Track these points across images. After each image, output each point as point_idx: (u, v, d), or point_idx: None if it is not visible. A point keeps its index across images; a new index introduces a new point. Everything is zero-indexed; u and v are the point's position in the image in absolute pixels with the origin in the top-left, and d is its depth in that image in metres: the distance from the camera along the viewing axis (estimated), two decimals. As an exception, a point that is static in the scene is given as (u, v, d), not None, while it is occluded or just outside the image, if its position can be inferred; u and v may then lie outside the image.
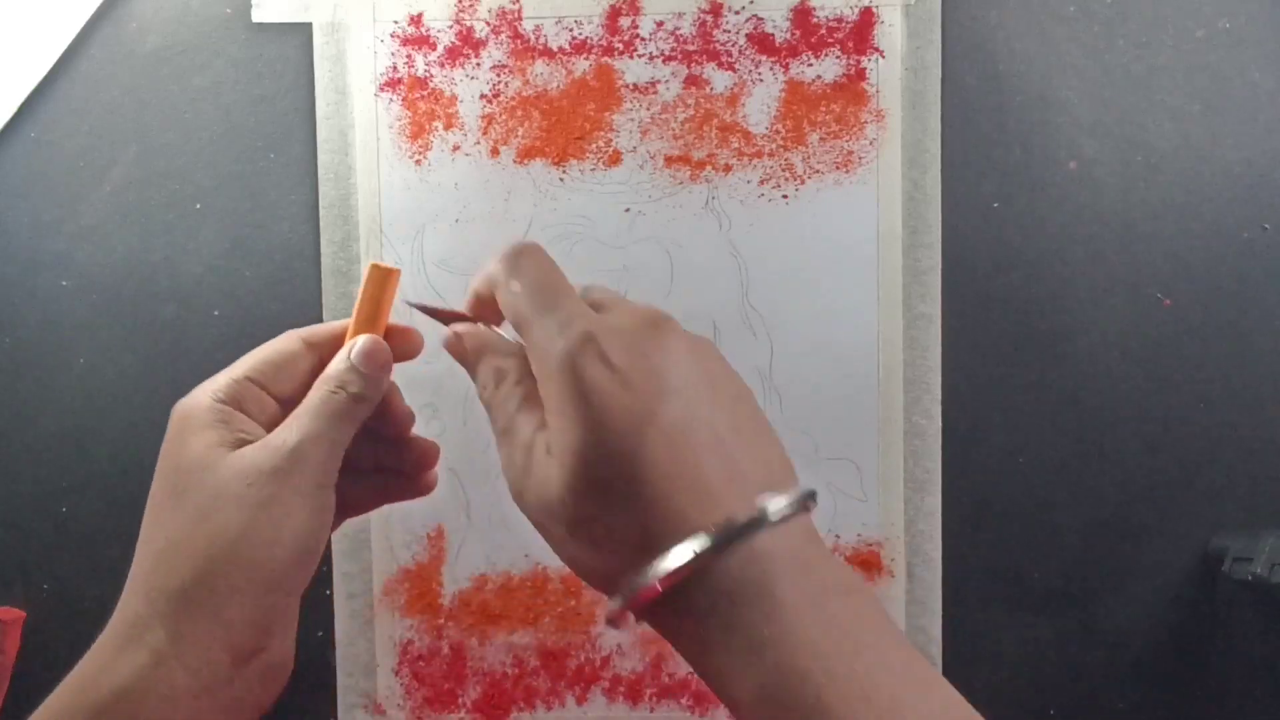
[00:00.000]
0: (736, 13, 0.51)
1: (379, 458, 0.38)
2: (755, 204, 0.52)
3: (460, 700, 0.53)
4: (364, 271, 0.38)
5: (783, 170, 0.51)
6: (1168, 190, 0.51)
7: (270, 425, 0.35)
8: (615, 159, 0.52)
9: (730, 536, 0.29)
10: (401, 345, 0.38)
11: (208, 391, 0.36)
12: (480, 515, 0.53)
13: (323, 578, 0.53)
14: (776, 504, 0.29)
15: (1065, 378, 0.52)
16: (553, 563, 0.53)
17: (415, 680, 0.53)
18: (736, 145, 0.52)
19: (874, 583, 0.52)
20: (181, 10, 0.53)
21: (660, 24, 0.52)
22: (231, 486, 0.33)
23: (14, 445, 0.53)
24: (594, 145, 0.52)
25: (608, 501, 0.30)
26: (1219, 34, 0.51)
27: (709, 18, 0.51)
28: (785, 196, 0.52)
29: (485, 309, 0.34)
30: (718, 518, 0.29)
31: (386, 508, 0.52)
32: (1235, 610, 0.52)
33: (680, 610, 0.29)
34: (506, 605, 0.53)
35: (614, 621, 0.30)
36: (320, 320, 0.52)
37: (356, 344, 0.36)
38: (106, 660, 0.33)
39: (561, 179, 0.52)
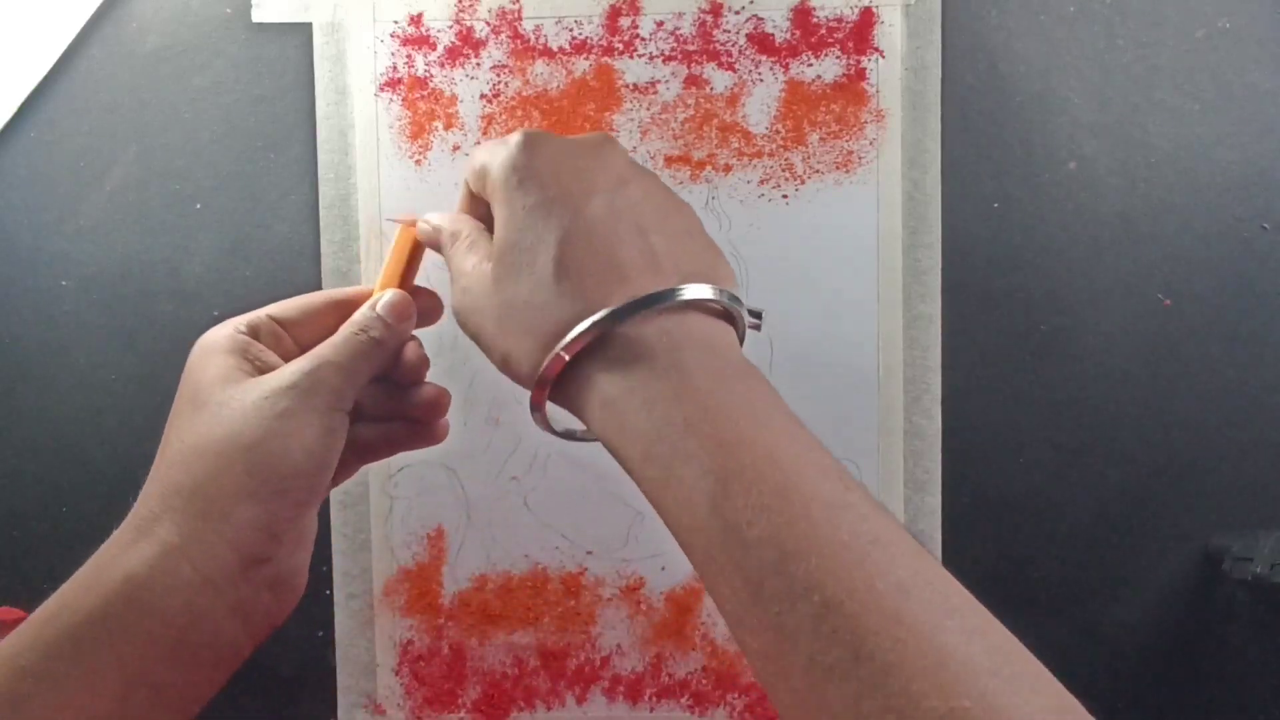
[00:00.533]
0: (736, 13, 0.51)
1: (394, 405, 0.40)
2: (755, 204, 0.52)
3: (460, 700, 0.53)
4: (393, 235, 0.40)
5: (783, 170, 0.51)
6: (1168, 190, 0.51)
7: (288, 360, 0.37)
8: (615, 159, 0.52)
9: (635, 307, 0.30)
10: (426, 305, 0.40)
11: (230, 324, 0.37)
12: (480, 515, 0.53)
13: (323, 578, 0.53)
14: (695, 289, 0.31)
15: (1065, 378, 0.52)
16: (552, 562, 0.53)
17: (415, 680, 0.53)
18: (736, 145, 0.52)
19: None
20: (181, 10, 0.53)
21: (660, 24, 0.52)
22: (249, 397, 0.35)
23: (14, 445, 0.53)
24: (594, 145, 0.52)
25: (529, 283, 0.32)
26: (1219, 34, 0.51)
27: (709, 18, 0.51)
28: (785, 196, 0.52)
29: (475, 207, 0.38)
30: (628, 295, 0.31)
31: (385, 507, 0.52)
32: (1235, 610, 0.52)
33: (587, 383, 0.31)
34: (506, 605, 0.53)
35: (533, 406, 0.33)
36: (320, 320, 0.53)
37: (383, 296, 0.39)
38: (117, 552, 0.34)
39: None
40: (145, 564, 0.33)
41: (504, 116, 0.52)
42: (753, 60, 0.51)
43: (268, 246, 0.53)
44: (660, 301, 0.31)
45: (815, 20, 0.51)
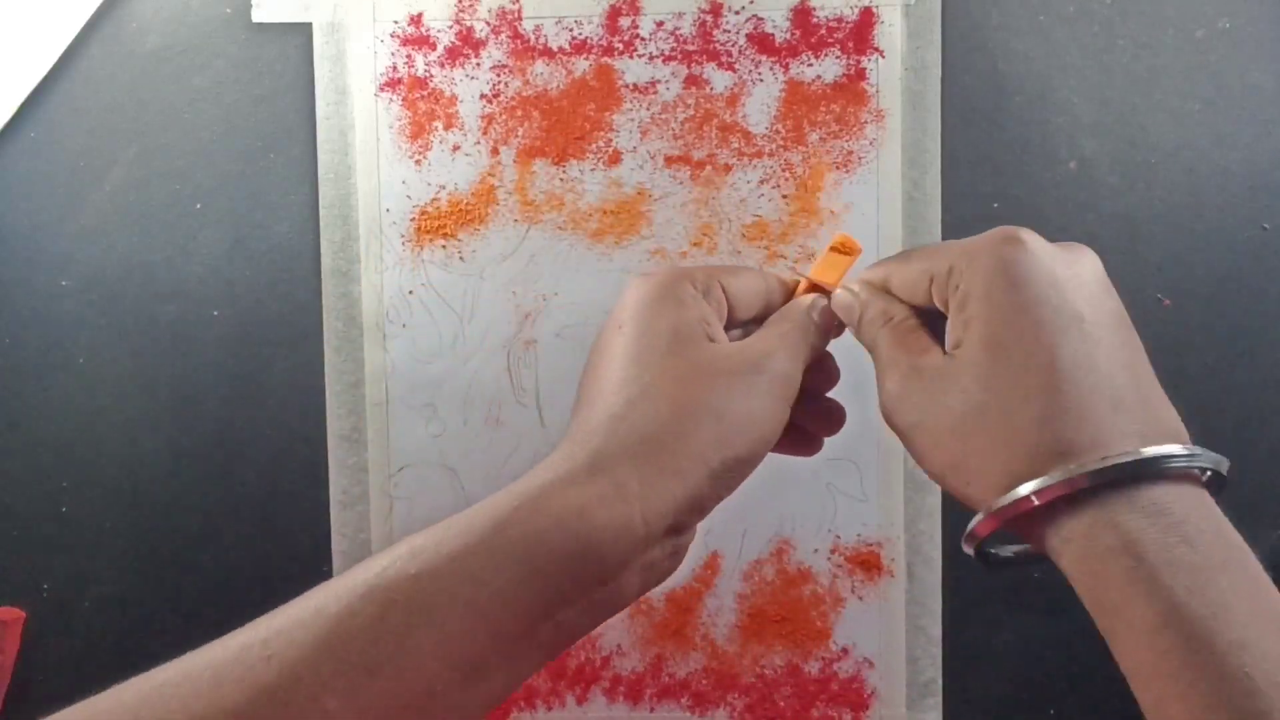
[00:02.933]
0: (736, 13, 0.51)
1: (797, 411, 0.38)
2: (755, 203, 0.52)
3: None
4: (828, 241, 0.39)
5: (783, 170, 0.51)
6: (1168, 190, 0.51)
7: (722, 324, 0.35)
8: (615, 159, 0.52)
9: (1147, 466, 0.28)
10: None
11: (686, 277, 0.35)
12: (480, 515, 0.53)
13: (323, 578, 0.53)
14: (1210, 459, 0.29)
15: (1065, 378, 0.52)
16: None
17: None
18: (736, 145, 0.52)
19: (874, 583, 0.52)
20: (181, 10, 0.53)
21: (660, 24, 0.52)
22: (721, 363, 0.33)
23: (14, 445, 0.53)
24: (594, 145, 0.52)
25: (1015, 389, 0.30)
26: (1219, 34, 0.51)
27: (709, 18, 0.51)
28: (785, 197, 0.52)
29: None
30: (1129, 439, 0.29)
31: (385, 507, 0.52)
32: (1235, 610, 0.52)
33: (1069, 534, 0.29)
34: (506, 605, 0.53)
35: (974, 535, 0.30)
36: (320, 321, 0.53)
37: (820, 302, 0.37)
38: (566, 484, 0.31)
39: (561, 179, 0.52)
40: (604, 505, 0.30)
41: (504, 116, 0.52)
42: (753, 60, 0.51)
43: (268, 246, 0.53)
44: (1173, 463, 0.29)
45: (815, 20, 0.51)
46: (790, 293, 0.38)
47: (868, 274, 0.36)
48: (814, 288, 0.38)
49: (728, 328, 0.36)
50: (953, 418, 0.31)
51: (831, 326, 0.37)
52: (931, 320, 0.35)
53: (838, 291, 0.37)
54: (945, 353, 0.32)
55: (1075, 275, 0.32)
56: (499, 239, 0.52)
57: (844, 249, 0.38)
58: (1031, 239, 0.32)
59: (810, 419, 0.39)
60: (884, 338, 0.35)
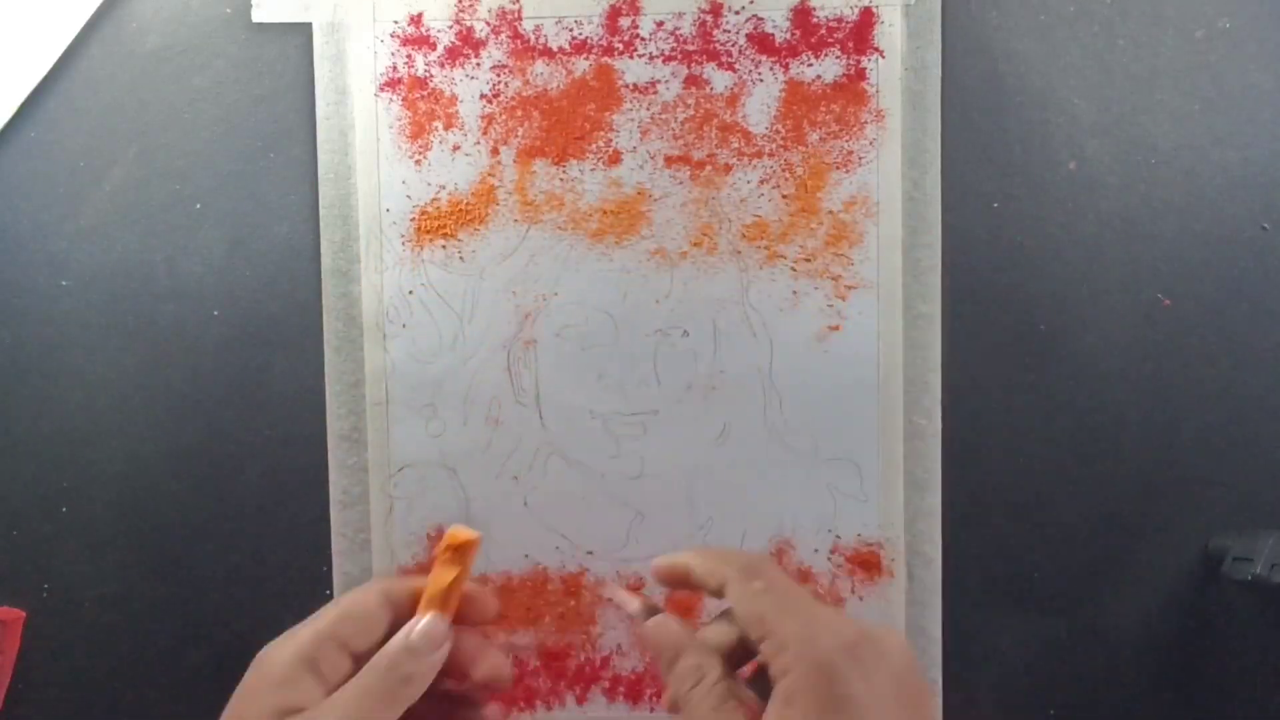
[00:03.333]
0: (736, 13, 0.51)
1: (444, 683, 0.39)
2: (755, 204, 0.52)
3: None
4: (445, 536, 0.39)
5: (783, 170, 0.51)
6: (1168, 190, 0.51)
7: (340, 684, 0.37)
8: (615, 159, 0.52)
9: None
10: (479, 611, 0.39)
11: (291, 649, 0.37)
12: (480, 515, 0.53)
13: (322, 578, 0.53)
14: None
15: (1065, 378, 0.52)
16: (552, 562, 0.53)
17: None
18: (736, 145, 0.52)
19: (874, 583, 0.52)
20: (181, 10, 0.53)
21: (660, 24, 0.52)
22: None
23: (14, 445, 0.53)
24: (594, 145, 0.52)
25: None
26: (1219, 34, 0.51)
27: (709, 18, 0.51)
28: (785, 197, 0.52)
29: (672, 581, 0.38)
30: None
31: (385, 507, 0.52)
32: (1235, 610, 0.52)
33: None
34: (506, 605, 0.53)
35: None
36: (320, 321, 0.53)
37: (419, 624, 0.38)
38: None
39: (561, 179, 0.52)
40: None
41: (504, 116, 0.52)
42: (753, 60, 0.51)
43: (268, 246, 0.53)
44: None
45: (815, 20, 0.51)
46: (415, 599, 0.39)
47: (673, 560, 0.37)
48: (432, 598, 0.38)
49: (362, 658, 0.37)
50: None
51: (438, 645, 0.38)
52: (740, 664, 0.36)
53: (655, 619, 0.37)
54: None
55: (899, 685, 0.33)
56: (499, 239, 0.52)
57: (460, 547, 0.39)
58: (858, 640, 0.33)
59: (467, 690, 0.39)
60: (695, 703, 0.35)
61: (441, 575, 0.39)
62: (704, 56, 0.52)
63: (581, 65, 0.52)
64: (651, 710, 0.53)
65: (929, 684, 0.36)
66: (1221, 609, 0.52)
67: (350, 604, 0.39)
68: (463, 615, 0.39)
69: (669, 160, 0.52)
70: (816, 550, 0.52)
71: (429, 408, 0.52)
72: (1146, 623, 0.52)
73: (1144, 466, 0.52)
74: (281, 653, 0.37)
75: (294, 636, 0.38)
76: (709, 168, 0.52)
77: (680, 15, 0.51)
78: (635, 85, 0.52)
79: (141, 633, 0.54)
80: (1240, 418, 0.52)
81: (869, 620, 0.35)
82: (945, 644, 0.52)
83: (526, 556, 0.53)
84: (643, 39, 0.52)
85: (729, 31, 0.51)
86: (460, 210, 0.52)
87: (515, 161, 0.52)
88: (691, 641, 0.36)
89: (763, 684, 0.34)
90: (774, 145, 0.51)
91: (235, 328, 0.53)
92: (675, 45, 0.52)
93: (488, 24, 0.52)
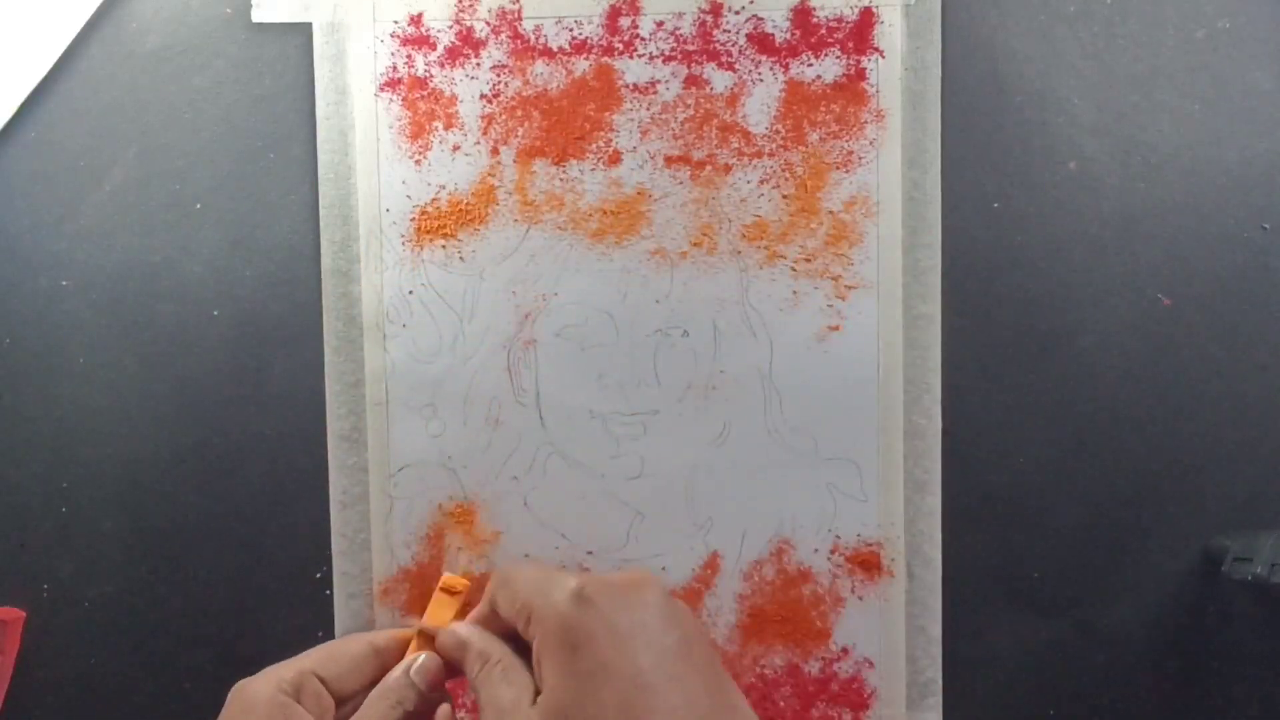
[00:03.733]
0: (736, 13, 0.51)
1: None
2: (755, 204, 0.52)
3: (460, 700, 0.53)
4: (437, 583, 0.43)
5: (783, 170, 0.51)
6: (1168, 190, 0.51)
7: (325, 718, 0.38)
8: (615, 159, 0.52)
9: None
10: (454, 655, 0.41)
11: (272, 681, 0.38)
12: (480, 514, 0.53)
13: (323, 578, 0.53)
14: None
15: (1065, 378, 0.52)
16: (553, 562, 0.53)
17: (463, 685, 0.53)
18: (736, 145, 0.52)
19: (874, 583, 0.52)
20: (181, 10, 0.53)
21: (660, 24, 0.52)
22: None
23: (14, 445, 0.54)
24: (594, 145, 0.52)
25: None
26: (1219, 34, 0.51)
27: (709, 18, 0.51)
28: (785, 197, 0.52)
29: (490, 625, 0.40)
30: None
31: (385, 507, 0.52)
32: (1235, 610, 0.52)
33: None
34: (506, 605, 0.53)
35: None
36: (320, 321, 0.53)
37: (418, 660, 0.40)
38: None
39: (561, 179, 0.52)
40: None
41: (504, 116, 0.52)
42: (753, 60, 0.51)
43: (268, 246, 0.53)
44: None
45: (815, 20, 0.51)
46: (404, 648, 0.40)
47: (479, 609, 0.40)
48: (426, 637, 0.40)
49: (343, 701, 0.38)
50: None
51: (437, 684, 0.40)
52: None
53: (440, 636, 0.40)
54: (533, 702, 0.35)
55: (636, 621, 0.34)
56: (499, 239, 0.52)
57: (449, 589, 0.41)
58: (594, 589, 0.35)
59: None
60: (482, 681, 0.37)
61: (435, 618, 0.40)
62: (704, 56, 0.52)
63: (581, 65, 0.52)
64: (651, 710, 0.53)
65: (684, 618, 0.37)
66: (1221, 609, 0.52)
67: (336, 647, 0.40)
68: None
69: (669, 160, 0.52)
70: (816, 550, 0.52)
71: (429, 408, 0.52)
72: (1146, 623, 0.52)
73: (1144, 466, 0.52)
74: (264, 686, 0.38)
75: (276, 672, 0.39)
76: (709, 168, 0.52)
77: (680, 15, 0.51)
78: (635, 85, 0.52)
79: (141, 633, 0.54)
80: (1240, 418, 0.52)
81: (631, 570, 0.37)
82: (945, 644, 0.52)
83: (526, 556, 0.53)
84: (643, 39, 0.52)
85: (729, 31, 0.51)
86: (460, 210, 0.52)
87: (515, 161, 0.52)
88: (473, 634, 0.39)
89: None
90: (774, 145, 0.51)
91: (235, 328, 0.53)
92: (675, 45, 0.52)
93: (488, 24, 0.52)
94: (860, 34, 0.51)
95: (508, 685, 0.36)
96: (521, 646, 0.38)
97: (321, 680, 0.39)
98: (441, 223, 0.52)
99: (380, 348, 0.52)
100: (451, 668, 0.41)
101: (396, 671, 0.39)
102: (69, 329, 0.53)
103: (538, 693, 0.35)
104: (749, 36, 0.51)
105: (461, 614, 0.41)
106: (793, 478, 0.52)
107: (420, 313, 0.52)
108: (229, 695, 0.38)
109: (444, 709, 0.40)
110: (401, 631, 0.41)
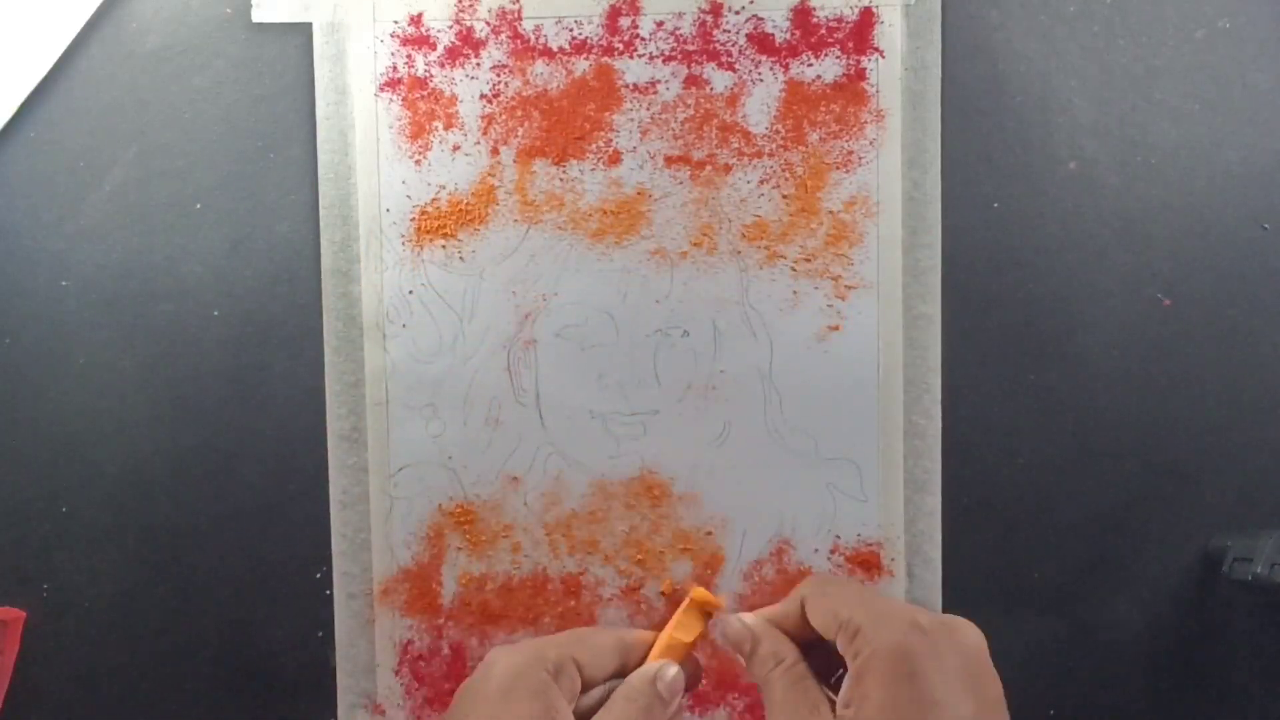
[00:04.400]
0: (736, 13, 0.51)
1: None
2: (755, 204, 0.52)
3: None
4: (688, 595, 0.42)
5: (783, 170, 0.51)
6: (1168, 190, 0.51)
7: (572, 704, 0.38)
8: (615, 159, 0.52)
9: None
10: (694, 672, 0.42)
11: (535, 657, 0.38)
12: (480, 514, 0.53)
13: (322, 578, 0.53)
14: None
15: (1065, 378, 0.52)
16: (552, 563, 0.53)
17: (415, 680, 0.53)
18: (736, 145, 0.52)
19: (874, 582, 0.52)
20: (181, 10, 0.53)
21: (660, 24, 0.52)
22: None
23: (14, 445, 0.54)
24: (594, 145, 0.52)
25: None
26: (1219, 34, 0.51)
27: (709, 18, 0.51)
28: (785, 197, 0.52)
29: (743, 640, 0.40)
30: None
31: (385, 507, 0.52)
32: (1235, 610, 0.52)
33: None
34: (506, 605, 0.53)
35: None
36: (320, 321, 0.53)
37: (669, 672, 0.40)
38: None
39: (561, 179, 0.52)
40: None
41: (504, 116, 0.52)
42: (753, 60, 0.51)
43: (268, 246, 0.53)
44: None
45: (815, 20, 0.51)
46: (647, 649, 0.40)
47: (766, 611, 0.40)
48: (671, 647, 0.40)
49: (585, 688, 0.39)
50: None
51: (678, 694, 0.40)
52: (815, 653, 0.38)
53: (731, 619, 0.40)
54: (835, 714, 0.35)
55: (965, 667, 0.35)
56: (499, 239, 0.52)
57: (703, 604, 0.41)
58: (932, 625, 0.36)
59: None
60: (776, 681, 0.38)
61: (684, 630, 0.41)
62: (704, 56, 0.52)
63: (581, 65, 0.52)
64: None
65: (997, 674, 0.37)
66: (1221, 609, 0.52)
67: (589, 635, 0.41)
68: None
69: (669, 160, 0.52)
70: (816, 550, 0.52)
71: (429, 408, 0.52)
72: (1146, 623, 0.52)
73: (1144, 466, 0.52)
74: (530, 661, 0.38)
75: (539, 649, 0.39)
76: (709, 168, 0.52)
77: (680, 15, 0.51)
78: (635, 85, 0.52)
79: (141, 633, 0.54)
80: (1240, 418, 0.52)
81: (953, 615, 0.37)
82: (945, 644, 0.52)
83: (527, 556, 0.53)
84: (643, 39, 0.52)
85: (729, 31, 0.51)
86: (460, 210, 0.52)
87: (515, 161, 0.52)
88: (767, 631, 0.39)
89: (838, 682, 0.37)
90: (774, 145, 0.51)
91: (235, 328, 0.53)
92: (675, 45, 0.52)
93: (488, 24, 0.52)
94: (860, 34, 0.51)
95: (807, 693, 0.37)
96: (814, 657, 0.38)
97: (578, 665, 0.39)
98: (441, 223, 0.52)
99: (380, 348, 0.52)
100: (696, 671, 0.42)
101: (644, 677, 0.39)
102: (69, 329, 0.53)
103: (832, 707, 0.36)
104: (749, 36, 0.51)
105: (704, 635, 0.42)
106: (793, 478, 0.52)
107: (420, 313, 0.52)
108: (488, 657, 0.39)
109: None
110: (648, 634, 0.41)
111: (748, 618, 0.40)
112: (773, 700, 0.37)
